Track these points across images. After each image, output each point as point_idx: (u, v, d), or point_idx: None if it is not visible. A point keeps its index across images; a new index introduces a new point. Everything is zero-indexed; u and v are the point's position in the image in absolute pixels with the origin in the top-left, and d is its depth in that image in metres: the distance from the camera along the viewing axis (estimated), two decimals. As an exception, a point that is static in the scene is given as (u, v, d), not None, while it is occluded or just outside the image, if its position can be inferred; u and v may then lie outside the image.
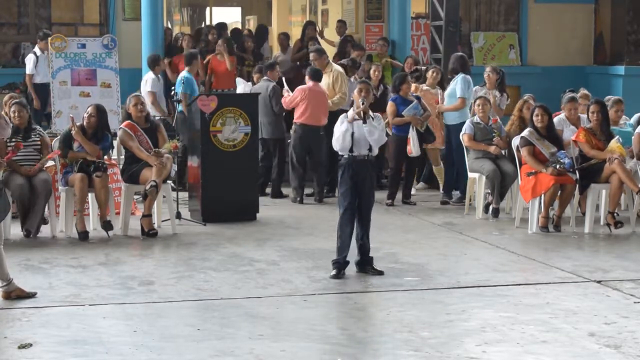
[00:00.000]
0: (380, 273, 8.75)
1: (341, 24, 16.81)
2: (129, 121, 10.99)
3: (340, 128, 8.78)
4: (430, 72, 13.50)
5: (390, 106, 12.68)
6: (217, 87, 14.85)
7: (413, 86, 13.26)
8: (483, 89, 12.88)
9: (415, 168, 13.09)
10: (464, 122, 12.14)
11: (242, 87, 13.49)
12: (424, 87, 13.35)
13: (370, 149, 8.78)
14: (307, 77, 12.91)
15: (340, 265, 8.69)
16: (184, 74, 13.27)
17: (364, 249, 8.85)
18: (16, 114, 10.50)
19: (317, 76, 12.93)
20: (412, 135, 12.44)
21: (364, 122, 8.71)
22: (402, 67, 14.64)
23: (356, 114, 8.76)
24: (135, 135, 10.86)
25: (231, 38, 15.87)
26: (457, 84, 12.75)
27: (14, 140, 10.19)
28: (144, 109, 11.02)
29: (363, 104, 8.79)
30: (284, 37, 16.93)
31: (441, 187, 13.14)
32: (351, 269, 8.80)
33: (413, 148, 12.45)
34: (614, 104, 11.83)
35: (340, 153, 8.87)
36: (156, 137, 10.96)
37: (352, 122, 8.75)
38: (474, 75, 13.25)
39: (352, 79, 13.61)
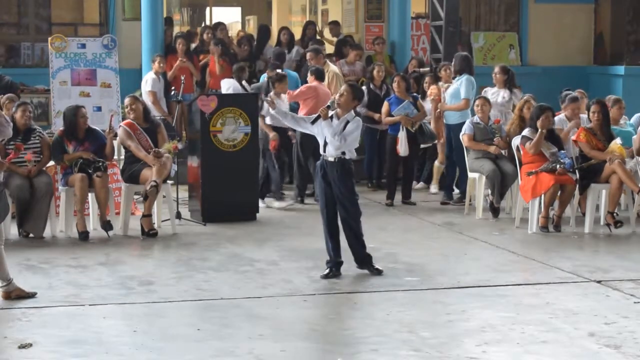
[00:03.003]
0: (380, 272, 8.74)
1: (334, 26, 16.80)
2: (128, 120, 11.01)
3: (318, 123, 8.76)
4: (443, 70, 13.52)
5: (384, 105, 12.72)
6: (212, 87, 14.84)
7: (434, 86, 13.28)
8: (493, 89, 12.88)
9: (413, 168, 13.07)
10: (464, 122, 12.14)
11: (226, 86, 13.47)
12: (444, 85, 13.31)
13: (343, 152, 8.62)
14: (311, 77, 12.88)
15: (331, 265, 8.68)
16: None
17: (353, 250, 8.79)
18: (25, 114, 10.51)
19: (321, 76, 12.93)
20: (401, 135, 12.43)
21: (313, 122, 8.67)
22: (394, 73, 14.50)
23: (321, 112, 8.66)
24: (135, 134, 10.86)
25: (223, 41, 15.80)
26: (461, 84, 12.72)
27: (12, 142, 10.18)
28: (138, 109, 10.98)
29: (328, 107, 8.72)
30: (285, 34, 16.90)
31: (434, 185, 13.35)
32: (351, 270, 8.80)
33: (401, 148, 12.44)
34: (616, 103, 11.83)
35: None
36: (156, 136, 10.96)
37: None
38: (475, 75, 13.27)
39: None
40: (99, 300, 7.87)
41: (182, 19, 26.27)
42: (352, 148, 8.74)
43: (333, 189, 8.67)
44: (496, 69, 13.02)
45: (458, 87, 12.75)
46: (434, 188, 13.52)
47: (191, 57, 15.06)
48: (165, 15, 16.03)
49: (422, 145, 13.10)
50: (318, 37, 16.58)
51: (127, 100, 11.11)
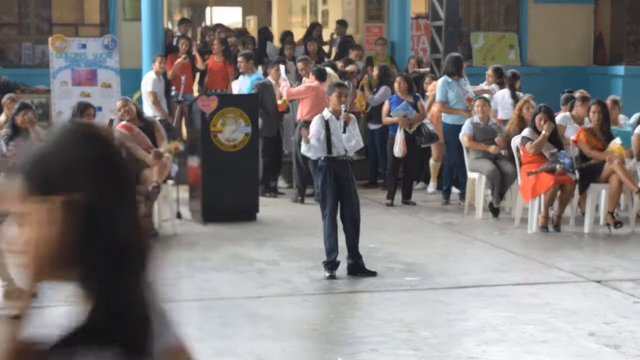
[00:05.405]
0: (373, 274, 8.70)
1: (340, 26, 16.76)
2: (123, 122, 10.92)
3: (312, 138, 8.70)
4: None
5: (384, 105, 12.74)
6: (210, 87, 14.86)
7: (434, 84, 13.34)
8: (483, 85, 13.04)
9: (414, 168, 13.06)
10: (463, 123, 12.15)
11: (237, 87, 13.49)
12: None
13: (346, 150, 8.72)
14: (312, 77, 12.92)
15: (333, 266, 8.65)
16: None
17: (355, 251, 8.72)
18: (25, 118, 10.48)
19: (322, 76, 12.96)
20: (398, 136, 12.42)
21: (344, 131, 8.66)
22: (395, 74, 14.52)
23: (342, 119, 8.69)
24: (132, 134, 10.80)
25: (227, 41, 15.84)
26: (466, 86, 12.74)
27: (12, 142, 10.20)
28: (132, 110, 10.90)
29: (345, 110, 8.75)
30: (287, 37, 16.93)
31: (432, 183, 13.35)
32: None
33: (395, 148, 12.43)
34: (612, 104, 11.86)
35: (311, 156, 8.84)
36: (153, 134, 10.90)
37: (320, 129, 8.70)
38: (473, 75, 13.30)
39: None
40: (100, 300, 7.86)
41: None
42: (354, 151, 8.88)
43: (343, 189, 8.65)
44: (489, 71, 13.25)
45: (463, 89, 12.76)
46: (431, 187, 13.47)
47: (191, 57, 15.07)
48: (182, 17, 16.03)
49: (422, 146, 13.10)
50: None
51: (118, 104, 11.02)
